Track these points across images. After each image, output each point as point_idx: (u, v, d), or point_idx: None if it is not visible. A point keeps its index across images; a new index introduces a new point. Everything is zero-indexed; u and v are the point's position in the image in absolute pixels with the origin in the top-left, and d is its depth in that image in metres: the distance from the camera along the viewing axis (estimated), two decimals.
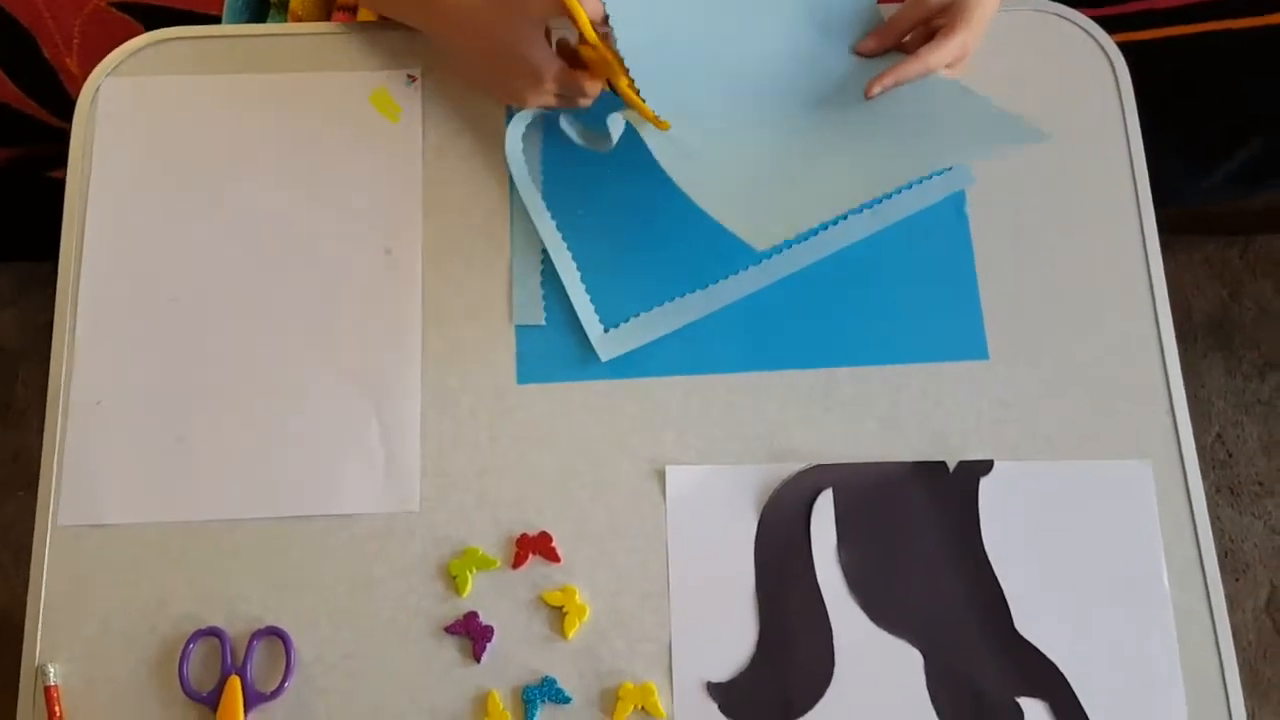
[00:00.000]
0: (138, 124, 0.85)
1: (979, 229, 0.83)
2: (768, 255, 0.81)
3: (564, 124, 0.82)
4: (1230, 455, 1.60)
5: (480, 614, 0.74)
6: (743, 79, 0.80)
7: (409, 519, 0.77)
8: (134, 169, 0.84)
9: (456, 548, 0.76)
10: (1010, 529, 0.76)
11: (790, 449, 0.78)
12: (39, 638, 0.74)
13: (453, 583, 0.75)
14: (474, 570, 0.75)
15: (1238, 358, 1.64)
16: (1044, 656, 0.74)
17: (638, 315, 0.81)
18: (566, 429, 0.78)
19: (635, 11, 0.74)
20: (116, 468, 0.77)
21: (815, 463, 0.77)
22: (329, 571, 0.75)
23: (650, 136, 0.77)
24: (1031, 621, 0.75)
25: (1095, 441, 0.78)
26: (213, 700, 0.72)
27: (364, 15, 0.98)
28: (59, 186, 0.83)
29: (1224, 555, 1.55)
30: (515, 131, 0.83)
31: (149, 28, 0.88)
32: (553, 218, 0.83)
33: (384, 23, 0.90)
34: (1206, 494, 0.78)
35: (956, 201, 0.84)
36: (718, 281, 0.81)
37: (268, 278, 0.82)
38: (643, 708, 0.73)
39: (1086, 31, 0.88)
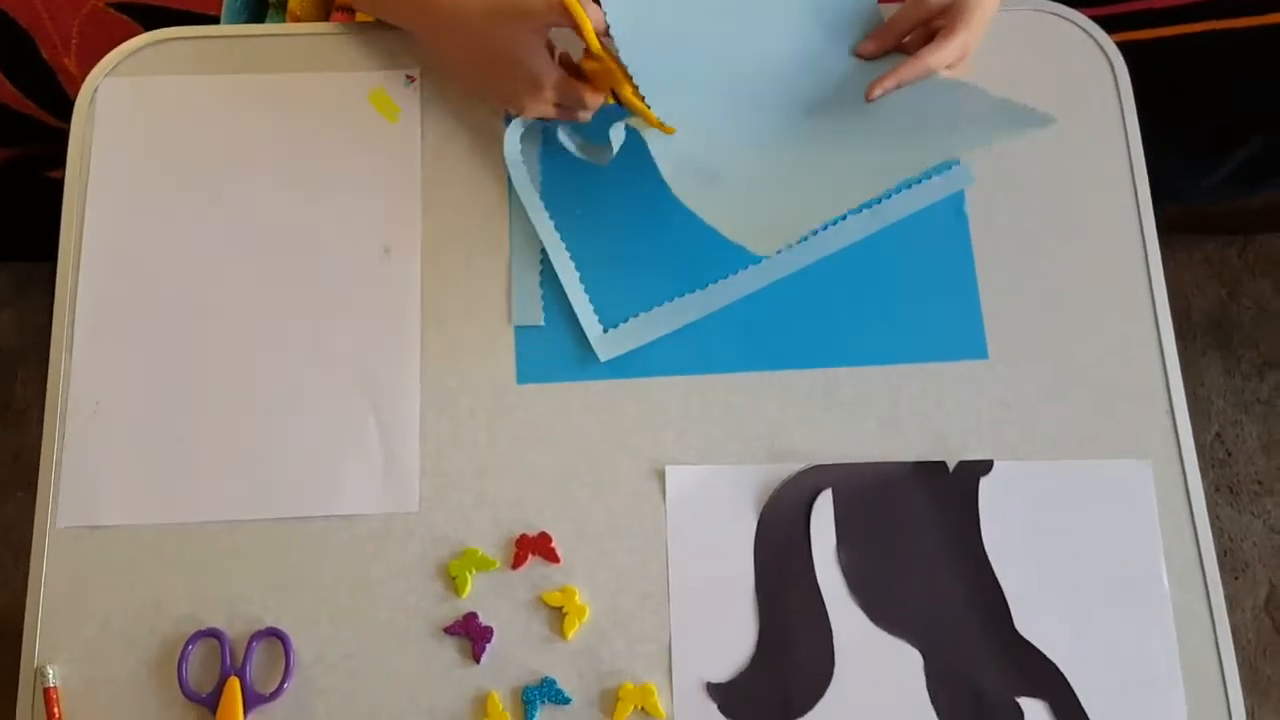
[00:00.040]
0: (136, 124, 0.85)
1: (978, 229, 0.83)
2: (764, 256, 0.81)
3: (562, 136, 0.82)
4: (1229, 454, 1.60)
5: (480, 614, 0.74)
6: (743, 82, 0.80)
7: (408, 519, 0.76)
8: (133, 169, 0.84)
9: (456, 548, 0.76)
10: (1010, 529, 0.76)
11: (790, 449, 0.78)
12: (38, 639, 0.74)
13: (452, 583, 0.75)
14: (473, 571, 0.75)
15: (1237, 357, 1.64)
16: (1044, 656, 0.74)
17: (637, 315, 0.81)
18: (566, 429, 0.78)
19: (636, 19, 0.74)
20: (115, 469, 0.77)
21: (815, 463, 0.77)
22: (328, 572, 0.75)
23: (654, 144, 0.77)
24: (1031, 621, 0.75)
25: (1095, 441, 0.78)
26: (212, 701, 0.72)
27: (362, 15, 0.98)
28: (57, 187, 0.83)
29: (1223, 554, 1.55)
30: (514, 133, 0.83)
31: (147, 28, 0.88)
32: (551, 217, 0.83)
33: (382, 23, 0.90)
34: (1206, 493, 0.78)
35: (956, 201, 0.84)
36: (717, 281, 0.81)
37: (266, 278, 0.81)
38: (642, 708, 0.73)
39: (1086, 31, 0.88)
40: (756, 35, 0.80)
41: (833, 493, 0.77)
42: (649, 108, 0.76)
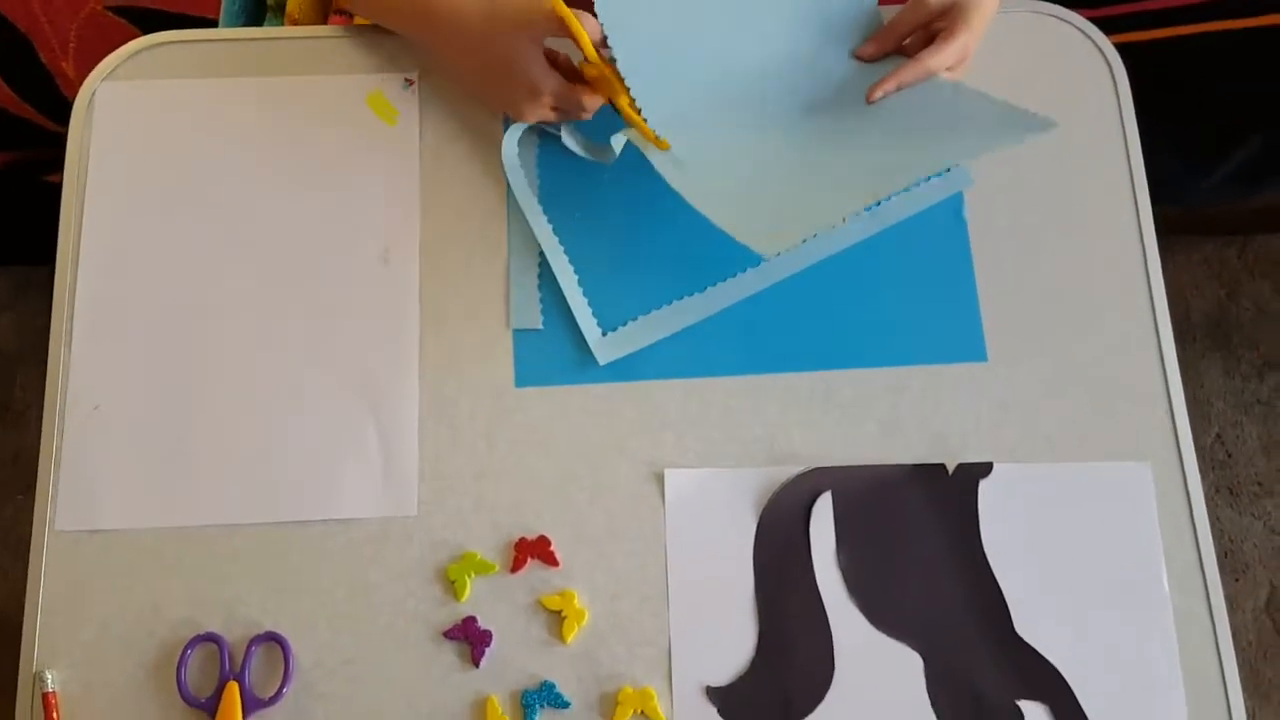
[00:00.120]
0: (134, 128, 0.85)
1: (977, 231, 0.83)
2: (766, 258, 0.81)
3: (566, 138, 0.82)
4: (1229, 455, 1.60)
5: (479, 618, 0.74)
6: (744, 85, 0.80)
7: (407, 523, 0.76)
8: (131, 173, 0.84)
9: (455, 552, 0.76)
10: (1010, 531, 0.76)
11: (789, 452, 0.78)
12: (37, 644, 0.74)
13: (451, 587, 0.75)
14: (472, 574, 0.75)
15: (1236, 358, 1.64)
16: (1044, 659, 0.74)
17: (636, 318, 0.81)
18: (565, 432, 0.78)
19: (634, 28, 0.74)
20: (114, 472, 0.77)
21: (814, 465, 0.77)
22: (327, 576, 0.75)
23: (653, 153, 0.77)
24: (1031, 624, 0.74)
25: (1094, 443, 0.78)
26: (211, 706, 0.72)
27: (360, 19, 0.98)
28: (56, 190, 0.83)
29: (1224, 556, 1.54)
30: (512, 137, 0.83)
31: (145, 31, 0.88)
32: (549, 221, 0.83)
33: (380, 27, 0.90)
34: (1206, 494, 0.77)
35: (954, 203, 0.84)
36: (716, 284, 0.81)
37: (265, 281, 0.81)
38: (642, 712, 0.73)
39: (1084, 33, 0.88)
40: (756, 37, 0.80)
41: (832, 495, 0.77)
42: (645, 120, 0.76)
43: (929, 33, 0.78)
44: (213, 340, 0.80)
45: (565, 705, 0.73)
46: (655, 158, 0.77)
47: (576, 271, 0.81)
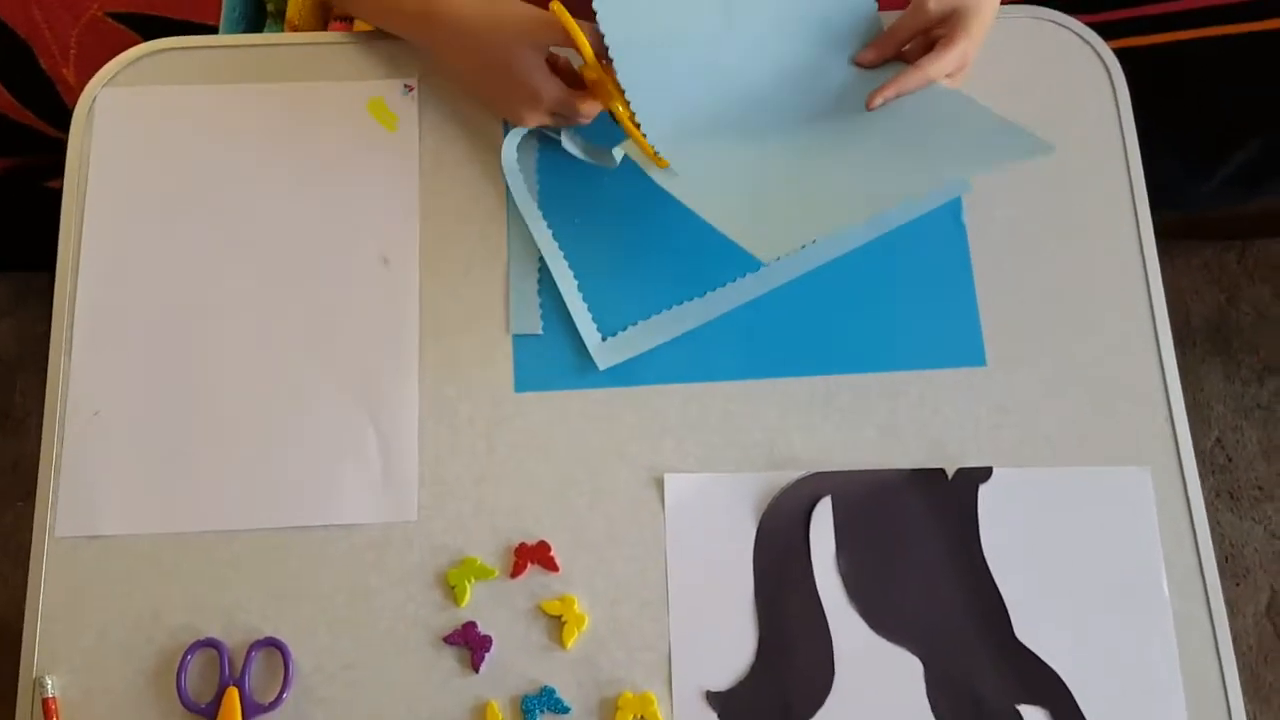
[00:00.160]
0: (135, 134, 0.85)
1: (976, 235, 0.83)
2: (765, 263, 0.81)
3: (566, 141, 0.82)
4: (1230, 460, 1.60)
5: (479, 624, 0.74)
6: (744, 92, 0.80)
7: (407, 528, 0.76)
8: (131, 179, 0.84)
9: (454, 557, 0.76)
10: (1009, 536, 0.76)
11: (789, 457, 0.78)
12: (37, 649, 0.74)
13: (451, 592, 0.75)
14: (472, 580, 0.75)
15: (1236, 362, 1.64)
16: (1044, 663, 0.74)
17: (635, 323, 0.81)
18: (564, 437, 0.78)
19: (634, 37, 0.74)
20: (114, 478, 0.77)
21: (814, 470, 0.77)
22: (327, 582, 0.75)
23: (651, 168, 0.77)
24: (1031, 628, 0.74)
25: (1094, 448, 0.78)
26: (211, 711, 0.72)
27: (360, 25, 0.98)
28: (56, 196, 0.83)
29: (1224, 560, 1.54)
30: (511, 142, 0.83)
31: (146, 38, 0.88)
32: (549, 226, 0.83)
33: (380, 32, 0.90)
34: (1206, 499, 0.77)
35: (953, 208, 0.84)
36: (715, 289, 0.81)
37: (265, 287, 0.81)
38: (642, 717, 0.73)
39: (1082, 38, 0.88)
40: (756, 44, 0.80)
41: (832, 500, 0.77)
42: (644, 134, 0.76)
43: (929, 39, 0.78)
44: (213, 346, 0.80)
45: (565, 710, 0.73)
46: (654, 171, 0.77)
47: (576, 276, 0.81)
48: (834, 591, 0.75)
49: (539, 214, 0.83)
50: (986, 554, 0.76)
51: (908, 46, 0.79)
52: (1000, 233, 0.83)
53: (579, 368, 0.80)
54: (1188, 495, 0.77)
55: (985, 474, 0.77)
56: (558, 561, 0.76)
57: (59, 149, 0.85)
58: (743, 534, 0.76)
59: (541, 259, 0.82)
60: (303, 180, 0.84)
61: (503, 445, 0.78)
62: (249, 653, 0.73)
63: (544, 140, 0.85)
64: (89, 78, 0.86)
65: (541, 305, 0.81)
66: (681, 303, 0.81)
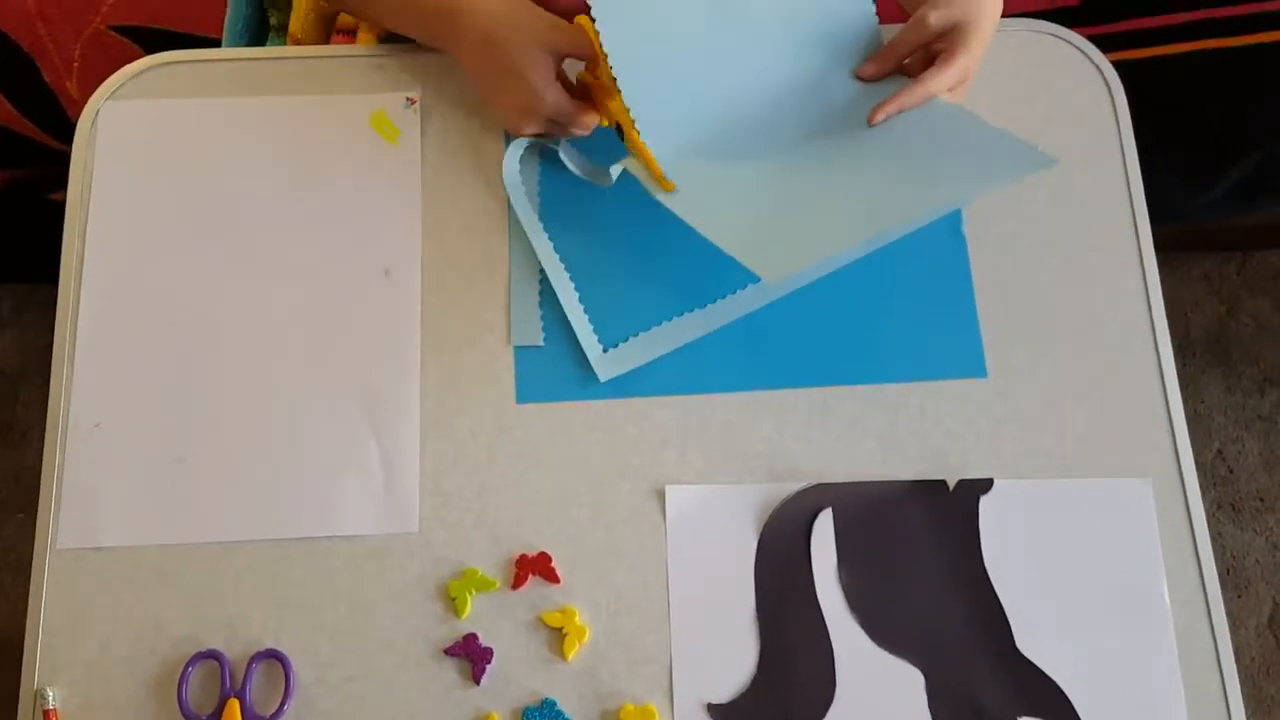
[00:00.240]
0: (137, 147, 0.85)
1: (976, 247, 0.84)
2: (775, 282, 0.81)
3: (564, 156, 0.82)
4: (1231, 471, 1.60)
5: (480, 635, 0.74)
6: (746, 108, 0.80)
7: (408, 540, 0.76)
8: (134, 191, 0.84)
9: (456, 569, 0.76)
10: (1011, 547, 0.76)
11: (790, 468, 0.78)
12: (38, 661, 0.74)
13: (452, 604, 0.75)
14: (473, 591, 0.75)
15: (1237, 373, 1.65)
16: (1045, 675, 0.74)
17: (636, 335, 0.81)
18: (566, 449, 0.78)
19: (635, 50, 0.74)
20: (116, 489, 0.77)
21: (815, 482, 0.77)
22: (328, 593, 0.75)
23: (656, 190, 0.77)
24: (1032, 640, 0.74)
25: (1095, 459, 0.78)
26: None
27: (364, 37, 0.99)
28: (59, 209, 0.83)
29: (1225, 572, 1.54)
30: (513, 154, 0.84)
31: (149, 51, 0.89)
32: (550, 238, 0.83)
33: (383, 46, 0.90)
34: (1207, 510, 0.78)
35: (953, 220, 0.84)
36: (716, 301, 0.81)
37: (267, 299, 0.82)
38: None
39: (1081, 51, 0.89)
40: (758, 60, 0.80)
41: (833, 512, 0.77)
42: (648, 146, 0.76)
43: (929, 54, 0.78)
44: (214, 358, 0.80)
45: None
46: (657, 191, 0.77)
47: (577, 288, 0.82)
48: (835, 603, 0.75)
49: (540, 226, 0.83)
50: (988, 565, 0.76)
51: (908, 61, 0.79)
52: (1000, 244, 0.84)
53: (580, 379, 0.80)
54: (1189, 507, 0.77)
55: (986, 485, 0.77)
56: (559, 573, 0.76)
57: (62, 161, 0.85)
58: (744, 546, 0.76)
59: (543, 271, 0.82)
60: (305, 193, 0.84)
61: (504, 457, 0.78)
62: (250, 664, 0.73)
63: (545, 153, 0.85)
64: (92, 91, 0.87)
65: (543, 317, 0.81)
66: (682, 314, 0.81)
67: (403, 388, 0.80)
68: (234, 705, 0.72)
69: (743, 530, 0.76)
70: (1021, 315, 0.82)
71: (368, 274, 0.82)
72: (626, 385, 0.80)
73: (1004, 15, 0.78)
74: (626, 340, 0.81)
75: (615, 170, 0.80)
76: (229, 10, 1.04)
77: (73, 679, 0.73)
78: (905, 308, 0.82)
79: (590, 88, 0.79)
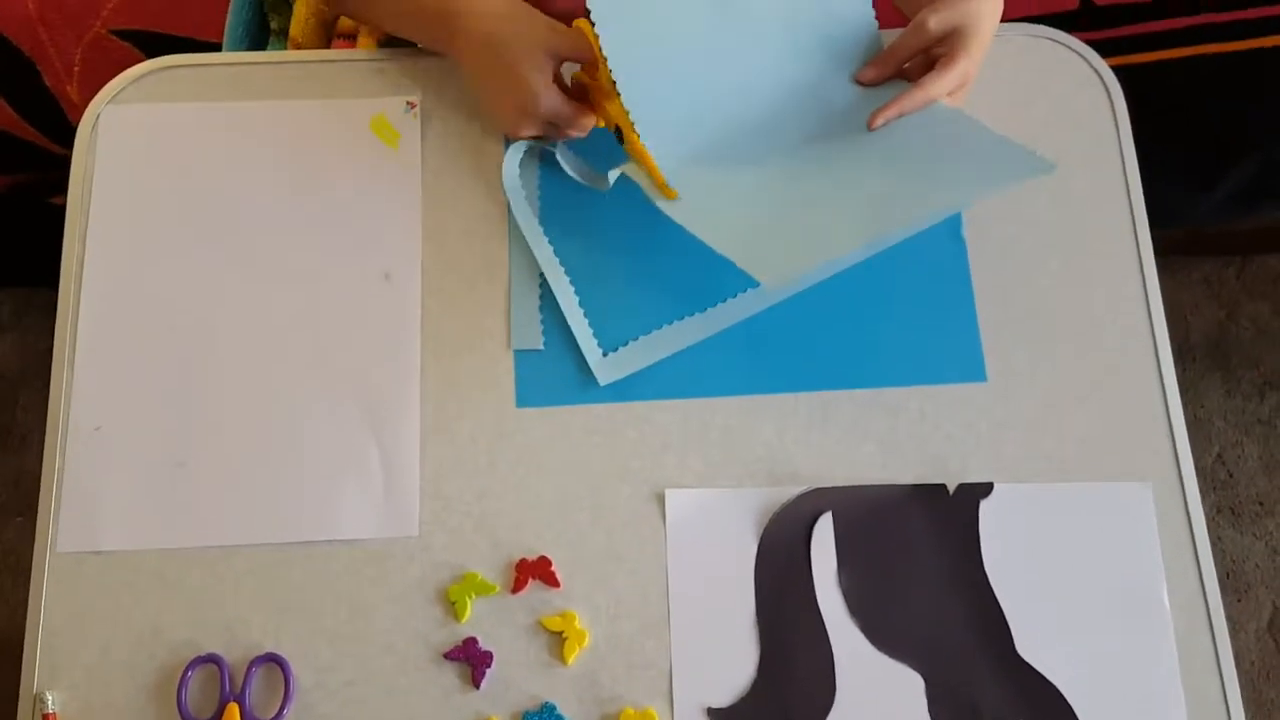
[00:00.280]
0: (138, 151, 0.85)
1: (976, 251, 0.84)
2: (775, 287, 0.81)
3: (562, 160, 0.82)
4: (1231, 475, 1.60)
5: (479, 639, 0.74)
6: (745, 111, 0.80)
7: (408, 544, 0.76)
8: (134, 195, 0.84)
9: (456, 572, 0.76)
10: (1011, 551, 0.76)
11: (790, 472, 0.78)
12: (37, 665, 0.74)
13: (452, 608, 0.75)
14: (473, 595, 0.75)
15: (1236, 378, 1.65)
16: (1046, 679, 0.74)
17: (636, 339, 0.81)
18: (566, 453, 0.78)
19: (634, 52, 0.74)
20: (116, 493, 0.77)
21: (815, 486, 0.77)
22: (328, 597, 0.75)
23: (656, 195, 0.77)
24: (1033, 644, 0.74)
25: (1094, 463, 0.78)
26: None
27: (364, 43, 0.99)
28: (59, 213, 0.83)
29: (1225, 576, 1.54)
30: (513, 158, 0.84)
31: (149, 55, 0.89)
32: (550, 242, 0.83)
33: (383, 50, 0.90)
34: (1207, 514, 0.78)
35: (953, 224, 0.84)
36: (716, 305, 0.81)
37: (267, 303, 0.82)
38: None
39: (1081, 55, 0.89)
40: (758, 64, 0.80)
41: (833, 516, 0.77)
42: (648, 150, 0.76)
43: (929, 58, 0.78)
44: (214, 361, 0.80)
45: None
46: (657, 197, 0.77)
47: (577, 292, 0.82)
48: (835, 607, 0.75)
49: (540, 230, 0.83)
50: (988, 569, 0.76)
51: (908, 65, 0.80)
52: (1000, 248, 0.84)
53: (580, 383, 0.80)
54: (1188, 511, 0.77)
55: (986, 489, 0.77)
56: (559, 577, 0.76)
57: (63, 165, 0.85)
58: (744, 550, 0.76)
59: (543, 275, 0.82)
60: (305, 197, 0.84)
61: (504, 461, 0.78)
62: (249, 668, 0.73)
63: (545, 157, 0.86)
64: (93, 95, 0.87)
65: (543, 321, 0.81)
66: (682, 318, 0.81)
67: (403, 392, 0.80)
68: (234, 709, 0.72)
69: (743, 534, 0.76)
70: (1021, 319, 0.82)
71: (368, 278, 0.82)
72: (626, 389, 0.80)
73: (1003, 20, 0.78)
74: (626, 344, 0.81)
75: (613, 175, 0.80)
76: (229, 14, 1.05)
77: (72, 683, 0.73)
78: (905, 312, 0.82)
79: (588, 89, 0.79)
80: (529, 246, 0.83)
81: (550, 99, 0.77)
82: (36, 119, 1.33)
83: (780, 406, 0.80)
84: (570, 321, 0.81)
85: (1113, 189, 0.85)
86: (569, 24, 0.77)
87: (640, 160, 0.77)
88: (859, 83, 0.81)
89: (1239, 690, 0.74)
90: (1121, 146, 0.86)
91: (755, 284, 0.81)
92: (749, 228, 0.75)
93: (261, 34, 1.08)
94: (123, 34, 1.27)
